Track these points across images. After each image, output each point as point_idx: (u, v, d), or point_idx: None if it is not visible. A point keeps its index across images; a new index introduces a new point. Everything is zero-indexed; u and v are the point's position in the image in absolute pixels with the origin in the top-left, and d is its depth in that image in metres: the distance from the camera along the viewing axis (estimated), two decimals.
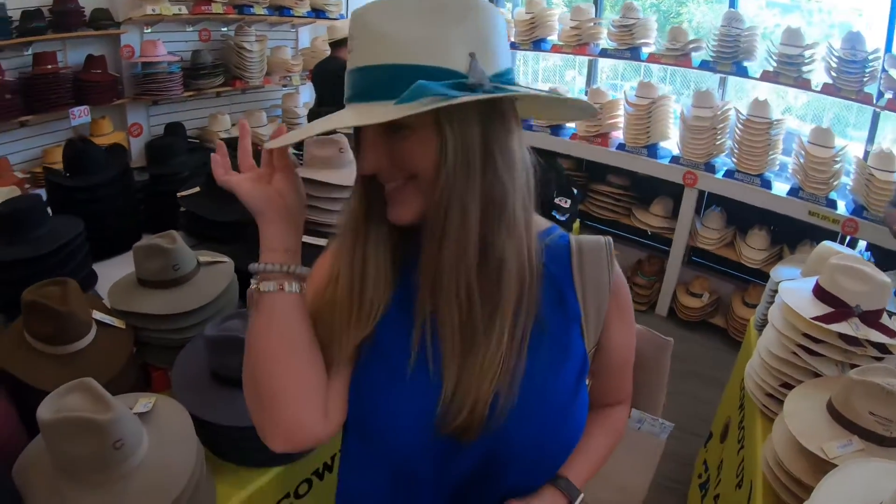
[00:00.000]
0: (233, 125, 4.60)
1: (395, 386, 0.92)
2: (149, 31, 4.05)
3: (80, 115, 3.55)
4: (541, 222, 1.01)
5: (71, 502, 1.22)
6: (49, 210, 2.34)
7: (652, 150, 4.47)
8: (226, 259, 2.07)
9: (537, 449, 0.94)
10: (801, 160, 3.81)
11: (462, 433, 0.89)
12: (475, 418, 0.88)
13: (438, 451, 0.92)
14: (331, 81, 4.06)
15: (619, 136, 4.73)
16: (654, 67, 5.14)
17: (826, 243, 2.42)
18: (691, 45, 4.31)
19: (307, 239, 2.24)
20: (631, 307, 1.06)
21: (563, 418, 0.95)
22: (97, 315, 1.74)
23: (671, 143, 4.52)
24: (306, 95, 5.27)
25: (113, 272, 2.04)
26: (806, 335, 1.74)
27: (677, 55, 4.36)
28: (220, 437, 1.55)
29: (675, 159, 4.37)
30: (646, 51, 4.60)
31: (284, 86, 5.22)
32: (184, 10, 4.06)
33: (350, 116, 0.80)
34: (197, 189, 2.59)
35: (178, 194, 2.56)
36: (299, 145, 2.81)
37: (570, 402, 0.96)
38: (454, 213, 0.82)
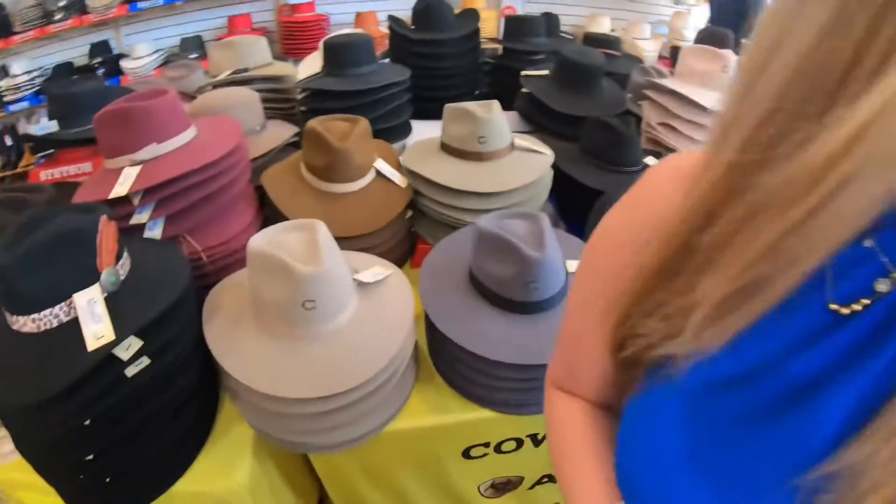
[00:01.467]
0: (611, 30, 4.14)
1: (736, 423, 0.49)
2: None
3: None
4: None
5: (243, 343, 1.08)
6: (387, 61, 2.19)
7: None
8: (546, 151, 1.69)
9: None
10: None
11: None
12: None
13: None
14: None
15: None
16: None
17: None
18: None
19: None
20: None
21: None
22: (379, 164, 1.49)
23: None
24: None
25: (433, 133, 1.79)
26: None
27: None
28: (448, 355, 1.20)
29: None
30: None
31: (677, 2, 4.67)
32: None
33: None
34: (545, 72, 2.25)
35: (522, 73, 2.25)
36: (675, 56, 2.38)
37: None
38: None
